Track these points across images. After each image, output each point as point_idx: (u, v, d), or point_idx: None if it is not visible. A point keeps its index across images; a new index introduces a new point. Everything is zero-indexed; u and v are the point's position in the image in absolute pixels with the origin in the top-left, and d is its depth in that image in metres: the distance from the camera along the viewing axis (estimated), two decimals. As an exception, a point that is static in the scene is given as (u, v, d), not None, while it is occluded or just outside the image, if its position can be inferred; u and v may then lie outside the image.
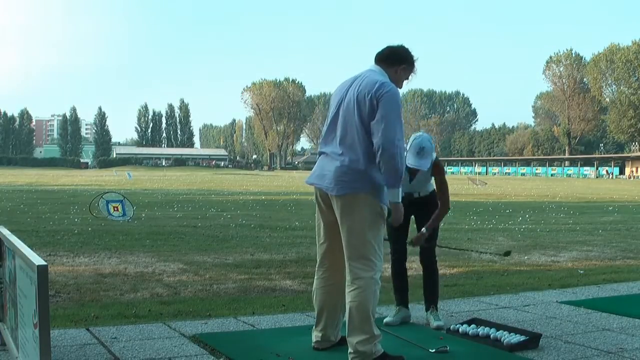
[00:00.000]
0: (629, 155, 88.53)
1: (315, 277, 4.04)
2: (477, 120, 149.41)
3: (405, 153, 3.79)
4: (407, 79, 3.98)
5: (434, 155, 4.56)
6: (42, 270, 2.46)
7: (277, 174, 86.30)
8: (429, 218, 4.66)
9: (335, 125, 3.79)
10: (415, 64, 3.97)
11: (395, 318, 4.69)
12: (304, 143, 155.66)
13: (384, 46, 3.96)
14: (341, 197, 3.66)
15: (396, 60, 3.89)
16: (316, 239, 4.06)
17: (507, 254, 5.43)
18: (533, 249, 9.47)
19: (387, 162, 3.54)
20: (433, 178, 4.70)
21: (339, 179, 3.65)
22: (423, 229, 4.65)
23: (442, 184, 4.68)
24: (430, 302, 4.76)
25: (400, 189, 3.70)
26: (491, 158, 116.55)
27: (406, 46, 3.98)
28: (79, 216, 13.94)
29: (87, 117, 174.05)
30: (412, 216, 4.75)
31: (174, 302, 5.48)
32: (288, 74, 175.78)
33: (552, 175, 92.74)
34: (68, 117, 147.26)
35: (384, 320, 4.59)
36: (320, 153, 3.90)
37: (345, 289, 3.75)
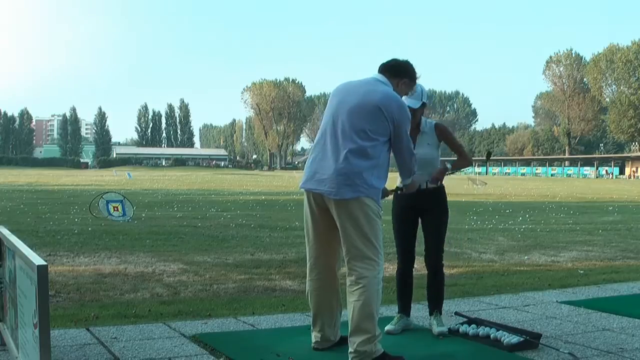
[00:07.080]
0: (629, 155, 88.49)
1: (308, 279, 4.06)
2: (477, 120, 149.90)
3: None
4: (406, 94, 4.08)
5: (425, 97, 4.43)
6: (42, 270, 2.46)
7: (277, 174, 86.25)
8: (437, 219, 4.50)
9: (333, 127, 3.77)
10: (417, 81, 4.09)
11: (397, 327, 4.49)
12: (304, 143, 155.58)
13: (390, 58, 4.05)
14: (342, 200, 3.66)
15: (400, 73, 3.97)
16: (306, 242, 4.09)
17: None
18: (533, 249, 9.47)
19: (408, 169, 4.00)
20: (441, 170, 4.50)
21: (340, 183, 3.64)
22: (447, 164, 4.58)
23: (455, 144, 4.70)
24: (434, 306, 4.57)
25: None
26: (491, 158, 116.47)
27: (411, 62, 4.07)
28: (79, 216, 13.94)
29: (87, 117, 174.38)
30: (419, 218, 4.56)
31: (174, 302, 5.48)
32: (288, 74, 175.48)
33: (552, 175, 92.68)
34: (68, 117, 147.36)
35: (385, 328, 4.39)
36: (314, 155, 3.84)
37: (336, 289, 3.84)
